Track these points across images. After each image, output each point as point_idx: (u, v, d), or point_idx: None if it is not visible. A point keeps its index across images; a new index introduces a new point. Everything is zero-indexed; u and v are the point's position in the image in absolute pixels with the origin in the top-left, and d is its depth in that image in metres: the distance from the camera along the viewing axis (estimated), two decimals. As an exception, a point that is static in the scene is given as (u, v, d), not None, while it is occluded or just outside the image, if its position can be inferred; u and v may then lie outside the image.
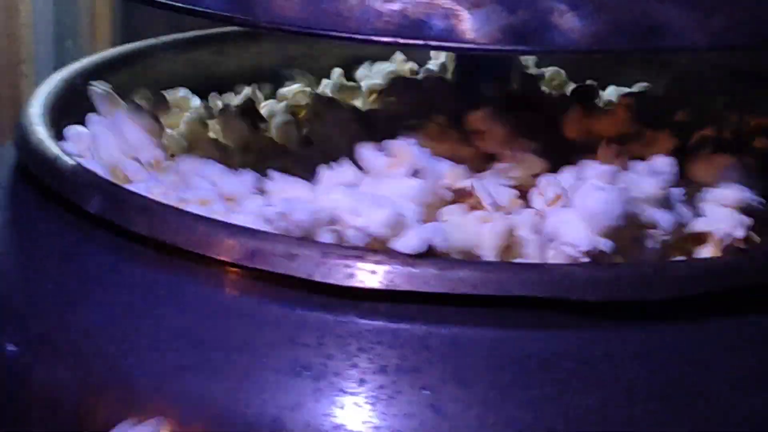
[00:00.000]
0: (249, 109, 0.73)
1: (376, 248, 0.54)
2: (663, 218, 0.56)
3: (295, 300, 0.53)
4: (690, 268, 0.53)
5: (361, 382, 0.50)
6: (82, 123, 0.70)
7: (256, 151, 0.69)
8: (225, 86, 0.84)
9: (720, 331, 0.52)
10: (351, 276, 0.51)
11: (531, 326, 0.51)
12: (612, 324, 0.53)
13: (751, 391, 0.50)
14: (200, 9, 0.55)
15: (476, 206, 0.58)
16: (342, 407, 0.50)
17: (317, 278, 0.52)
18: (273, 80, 0.85)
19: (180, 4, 0.56)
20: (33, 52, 1.08)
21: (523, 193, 0.60)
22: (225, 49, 0.84)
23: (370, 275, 0.51)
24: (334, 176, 0.60)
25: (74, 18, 1.10)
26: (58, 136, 0.68)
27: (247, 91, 0.80)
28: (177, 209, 0.57)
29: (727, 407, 0.50)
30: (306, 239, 0.55)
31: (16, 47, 1.07)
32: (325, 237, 0.54)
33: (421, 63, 0.88)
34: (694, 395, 0.50)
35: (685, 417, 0.49)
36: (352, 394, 0.50)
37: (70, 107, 0.72)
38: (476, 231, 0.57)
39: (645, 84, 0.85)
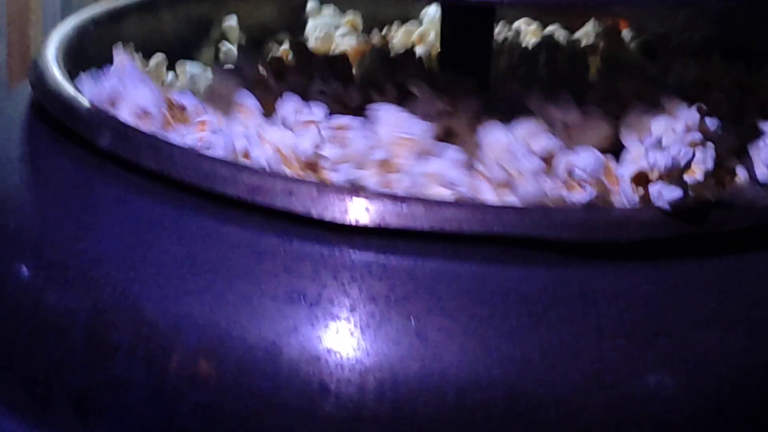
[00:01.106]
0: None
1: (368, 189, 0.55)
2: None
3: (292, 233, 0.54)
4: (657, 213, 0.53)
5: (353, 310, 0.51)
6: (95, 67, 0.69)
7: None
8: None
9: (683, 273, 0.53)
10: (345, 212, 0.52)
11: (511, 263, 0.52)
12: (586, 264, 0.53)
13: (711, 328, 0.52)
14: None
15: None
16: (335, 332, 0.51)
17: (314, 214, 0.53)
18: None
19: None
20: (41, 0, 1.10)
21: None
22: (223, 4, 0.85)
23: (363, 212, 0.52)
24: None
25: None
26: (72, 78, 0.67)
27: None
28: (183, 147, 0.57)
29: (688, 343, 0.51)
30: (304, 179, 0.55)
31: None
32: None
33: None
34: (657, 332, 0.51)
35: (649, 352, 0.51)
36: (344, 320, 0.51)
37: (82, 52, 0.72)
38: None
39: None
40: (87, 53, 0.73)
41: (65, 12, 1.09)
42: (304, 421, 0.51)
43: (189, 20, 0.86)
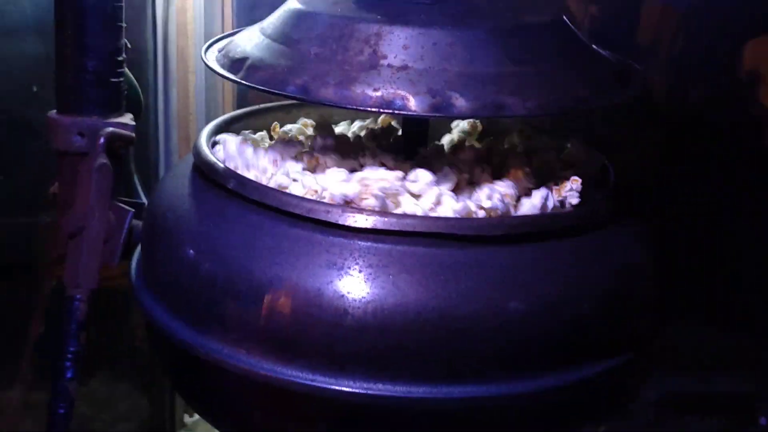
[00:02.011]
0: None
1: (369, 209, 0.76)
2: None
3: (329, 232, 0.75)
4: (519, 220, 0.77)
5: (360, 271, 0.74)
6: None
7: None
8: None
9: (521, 252, 0.75)
10: (355, 221, 0.75)
11: (440, 246, 0.74)
12: (474, 247, 0.75)
13: (540, 279, 0.74)
14: (286, 94, 0.77)
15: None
16: (350, 283, 0.73)
17: (340, 222, 0.75)
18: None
19: (277, 92, 0.77)
20: (196, 107, 1.27)
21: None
22: (291, 111, 1.02)
23: (364, 220, 0.75)
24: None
25: (215, 91, 1.30)
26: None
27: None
28: (273, 188, 0.79)
29: (527, 287, 0.73)
30: (335, 203, 0.77)
31: (187, 108, 1.26)
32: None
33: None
34: (513, 282, 0.73)
35: (510, 291, 0.73)
36: (355, 277, 0.73)
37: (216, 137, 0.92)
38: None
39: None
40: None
41: (209, 114, 1.27)
42: (334, 329, 0.73)
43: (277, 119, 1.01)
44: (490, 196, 0.80)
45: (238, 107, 1.18)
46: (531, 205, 0.80)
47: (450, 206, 0.79)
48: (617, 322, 0.80)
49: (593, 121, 0.98)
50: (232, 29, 1.17)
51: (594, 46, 0.89)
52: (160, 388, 1.35)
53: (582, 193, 0.82)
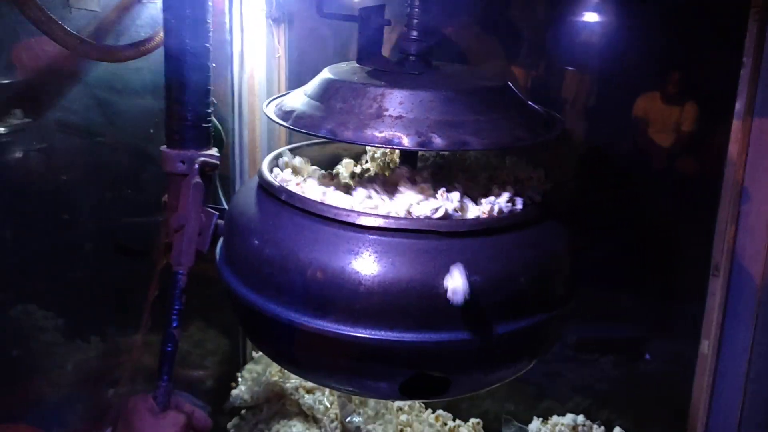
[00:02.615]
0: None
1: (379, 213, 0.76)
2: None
3: (349, 229, 0.76)
4: (478, 220, 0.76)
5: (369, 255, 0.74)
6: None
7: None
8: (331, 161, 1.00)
9: (487, 242, 0.75)
10: (368, 221, 0.75)
11: (423, 239, 0.75)
12: (451, 239, 0.75)
13: (497, 261, 0.74)
14: (320, 135, 0.77)
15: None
16: (363, 264, 0.74)
17: (357, 222, 0.75)
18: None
19: (313, 133, 0.77)
20: (260, 143, 1.26)
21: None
22: (325, 147, 1.01)
23: (374, 221, 0.75)
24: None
25: (273, 132, 1.28)
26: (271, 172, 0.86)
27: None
28: (310, 198, 0.78)
29: (486, 266, 0.73)
30: (353, 210, 0.76)
31: (255, 143, 1.25)
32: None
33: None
34: (477, 263, 0.73)
35: (471, 268, 0.72)
36: (367, 259, 0.74)
37: (273, 164, 0.91)
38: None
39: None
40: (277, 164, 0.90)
41: (270, 148, 1.25)
42: (353, 295, 0.73)
43: (315, 152, 1.00)
44: (491, 202, 0.79)
45: (290, 143, 1.17)
46: (484, 209, 0.80)
47: (474, 210, 0.78)
48: (544, 290, 0.80)
49: (534, 153, 0.97)
50: (286, 91, 1.16)
51: (529, 102, 0.89)
52: (235, 334, 1.35)
53: (524, 200, 0.82)
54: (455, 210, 0.77)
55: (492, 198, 0.79)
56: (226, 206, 1.01)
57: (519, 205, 0.80)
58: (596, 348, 1.28)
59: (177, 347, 0.89)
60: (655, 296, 1.19)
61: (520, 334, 0.78)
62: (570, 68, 1.13)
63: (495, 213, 0.79)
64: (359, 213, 0.76)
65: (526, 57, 1.14)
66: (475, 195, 0.82)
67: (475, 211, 0.78)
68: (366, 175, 0.91)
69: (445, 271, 0.72)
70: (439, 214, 0.76)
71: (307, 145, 1.00)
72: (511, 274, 0.75)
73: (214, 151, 0.98)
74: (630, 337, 1.27)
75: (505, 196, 0.80)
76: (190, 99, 0.93)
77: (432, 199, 0.79)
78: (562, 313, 0.84)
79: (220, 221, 0.93)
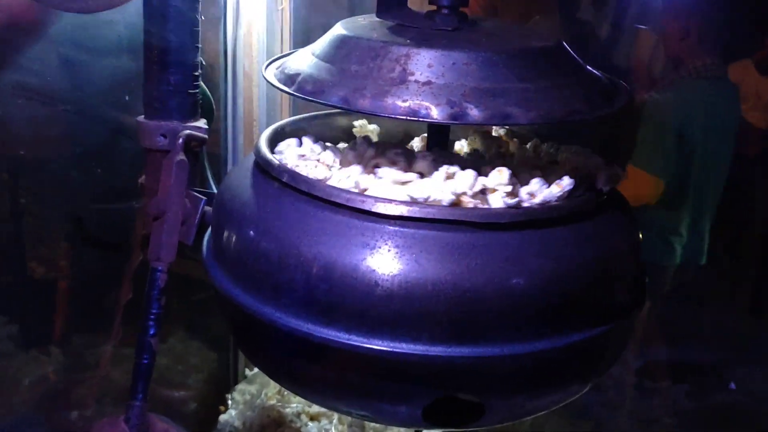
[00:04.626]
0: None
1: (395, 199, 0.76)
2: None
3: (364, 218, 0.76)
4: (522, 210, 0.77)
5: (388, 251, 0.74)
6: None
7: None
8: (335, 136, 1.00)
9: (524, 236, 0.76)
10: (385, 209, 0.76)
11: (454, 231, 0.75)
12: (485, 231, 0.76)
13: (540, 259, 0.75)
14: (330, 104, 0.78)
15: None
16: (381, 260, 0.75)
17: (372, 210, 0.76)
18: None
19: (322, 102, 0.78)
20: (258, 114, 1.28)
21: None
22: (336, 119, 1.02)
23: (393, 208, 0.76)
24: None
25: (274, 101, 1.31)
26: (272, 150, 0.87)
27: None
28: (317, 180, 0.79)
29: (527, 265, 0.74)
30: (368, 195, 0.77)
31: (251, 115, 1.28)
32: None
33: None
34: (515, 260, 0.74)
35: (513, 269, 0.74)
36: (384, 255, 0.75)
37: (276, 140, 0.92)
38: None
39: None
40: (279, 139, 0.92)
41: (269, 120, 1.27)
42: (367, 298, 0.74)
43: (324, 125, 1.02)
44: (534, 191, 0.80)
45: (293, 115, 1.19)
46: (536, 196, 0.81)
47: (544, 194, 0.80)
48: (603, 296, 0.80)
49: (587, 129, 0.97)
50: (289, 50, 1.17)
51: (588, 67, 0.89)
52: (225, 346, 1.37)
53: (578, 189, 0.82)
54: (506, 194, 0.77)
55: (539, 180, 0.79)
56: (215, 190, 1.03)
57: (572, 190, 0.81)
58: (666, 374, 1.28)
59: (154, 360, 0.91)
60: (743, 311, 1.19)
61: (573, 350, 0.78)
62: (642, 27, 1.13)
63: (545, 201, 0.79)
64: (376, 198, 0.77)
65: (586, 11, 1.14)
66: (520, 179, 0.83)
67: (521, 195, 0.79)
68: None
69: (482, 270, 0.73)
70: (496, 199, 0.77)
71: (314, 116, 1.01)
72: (563, 276, 0.76)
73: (201, 123, 1.00)
74: (710, 361, 1.26)
75: (565, 180, 0.81)
76: (173, 59, 0.95)
77: (472, 177, 0.79)
78: (625, 327, 0.84)
79: (208, 208, 0.94)
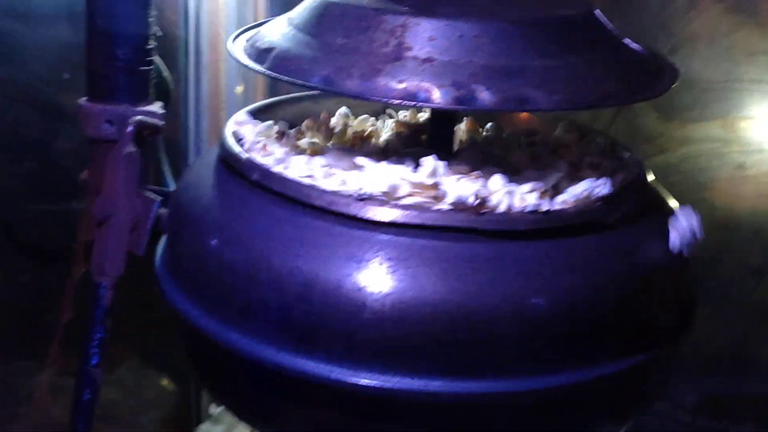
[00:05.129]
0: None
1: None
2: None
3: (351, 225, 0.76)
4: (542, 215, 0.78)
5: (380, 264, 0.74)
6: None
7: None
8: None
9: (547, 246, 0.76)
10: (376, 215, 0.76)
11: (459, 241, 0.75)
12: (498, 240, 0.75)
13: (561, 274, 0.75)
14: (310, 84, 0.78)
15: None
16: (370, 276, 0.74)
17: (360, 215, 0.76)
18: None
19: (301, 82, 0.78)
20: (227, 95, 1.30)
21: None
22: (319, 101, 1.03)
23: (385, 214, 0.76)
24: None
25: (247, 79, 1.31)
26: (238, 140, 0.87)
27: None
28: (297, 180, 0.80)
29: (550, 283, 0.74)
30: (354, 195, 0.77)
31: (218, 96, 1.29)
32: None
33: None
34: (535, 276, 0.74)
35: (531, 287, 0.74)
36: (374, 270, 0.74)
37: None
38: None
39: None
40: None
41: (242, 98, 1.28)
42: (353, 321, 0.74)
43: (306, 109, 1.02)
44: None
45: (270, 95, 1.19)
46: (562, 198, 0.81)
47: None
48: (639, 319, 0.81)
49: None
50: (266, 17, 1.19)
51: (627, 40, 0.89)
52: (185, 378, 1.37)
53: (614, 185, 0.83)
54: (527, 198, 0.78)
55: (557, 174, 0.79)
56: (173, 188, 1.03)
57: (605, 190, 0.81)
58: (728, 411, 1.28)
59: (98, 395, 0.92)
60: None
61: (604, 384, 0.79)
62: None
63: (569, 204, 0.79)
64: (366, 201, 0.77)
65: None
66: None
67: (537, 200, 0.79)
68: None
69: (494, 288, 0.74)
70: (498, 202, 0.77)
71: (295, 98, 1.02)
72: (594, 294, 0.76)
73: (156, 107, 1.00)
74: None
75: (589, 180, 0.81)
76: (122, 29, 0.95)
77: (474, 181, 0.80)
78: (670, 355, 0.84)
79: (163, 210, 0.95)
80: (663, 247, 0.83)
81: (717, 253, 1.27)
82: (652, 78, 0.86)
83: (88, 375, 0.92)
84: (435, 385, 0.75)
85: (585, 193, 0.81)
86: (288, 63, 0.81)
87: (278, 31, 0.87)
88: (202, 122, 1.31)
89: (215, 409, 1.42)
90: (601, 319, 0.77)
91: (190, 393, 1.39)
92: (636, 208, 0.83)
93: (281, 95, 1.02)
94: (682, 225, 0.83)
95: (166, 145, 1.05)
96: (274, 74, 0.81)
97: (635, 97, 0.83)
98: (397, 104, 0.77)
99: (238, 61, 0.86)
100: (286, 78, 0.80)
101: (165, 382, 1.36)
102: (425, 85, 0.76)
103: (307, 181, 0.82)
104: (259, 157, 0.86)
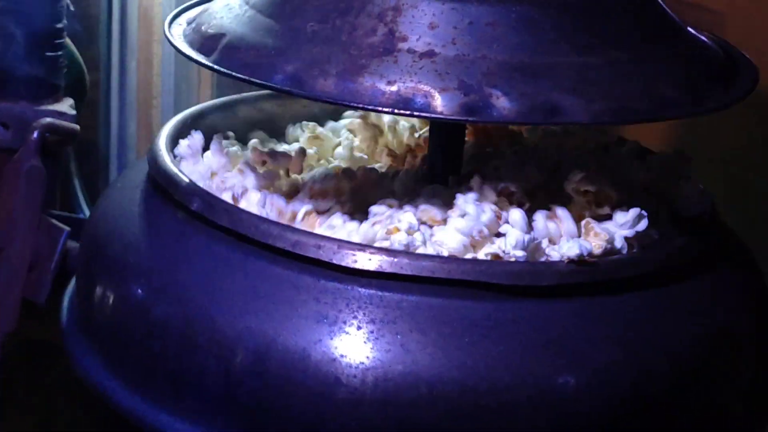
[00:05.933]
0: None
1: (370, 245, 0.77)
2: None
3: (320, 274, 0.76)
4: (558, 268, 0.78)
5: (359, 327, 0.75)
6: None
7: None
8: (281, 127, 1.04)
9: (581, 307, 0.76)
10: (355, 261, 0.76)
11: (465, 298, 0.75)
12: (515, 299, 0.76)
13: (598, 346, 0.75)
14: (272, 85, 0.77)
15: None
16: (346, 343, 0.74)
17: (334, 261, 0.76)
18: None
19: (260, 81, 0.78)
20: (161, 88, 1.28)
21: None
22: (285, 102, 1.04)
23: (368, 261, 0.76)
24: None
25: (187, 66, 1.30)
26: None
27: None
28: (249, 212, 0.80)
29: (584, 356, 0.75)
30: (329, 236, 0.78)
31: (149, 88, 1.27)
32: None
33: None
34: (563, 347, 0.75)
35: (558, 361, 0.74)
36: (352, 335, 0.74)
37: (182, 136, 0.93)
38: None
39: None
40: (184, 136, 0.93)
41: (179, 98, 1.28)
42: (323, 403, 0.74)
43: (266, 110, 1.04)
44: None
45: (217, 90, 1.21)
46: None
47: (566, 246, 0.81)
48: (700, 403, 0.81)
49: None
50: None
51: (690, 30, 0.90)
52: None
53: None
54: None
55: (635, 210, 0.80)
56: (86, 216, 1.04)
57: (653, 233, 0.83)
58: None
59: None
60: None
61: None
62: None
63: (604, 250, 0.80)
64: (341, 244, 0.77)
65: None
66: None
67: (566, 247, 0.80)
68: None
69: (510, 361, 0.74)
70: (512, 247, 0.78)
71: (253, 98, 1.03)
72: (639, 372, 0.76)
73: (66, 106, 1.01)
74: None
75: (632, 213, 0.82)
76: (21, 4, 0.96)
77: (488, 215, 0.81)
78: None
79: (73, 244, 0.96)
80: (737, 302, 0.84)
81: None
82: (724, 79, 0.87)
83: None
84: (430, 489, 0.75)
85: (629, 233, 0.82)
86: (243, 55, 0.82)
87: (231, 12, 0.87)
88: (128, 124, 1.30)
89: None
90: (650, 404, 0.78)
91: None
92: (700, 255, 0.84)
93: (233, 93, 1.04)
94: None
95: (79, 154, 1.07)
96: (223, 70, 0.82)
97: (703, 106, 0.83)
98: (386, 113, 0.78)
99: (178, 50, 0.87)
100: (240, 75, 0.80)
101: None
102: (424, 88, 0.77)
103: (265, 213, 0.83)
104: (202, 181, 0.87)
